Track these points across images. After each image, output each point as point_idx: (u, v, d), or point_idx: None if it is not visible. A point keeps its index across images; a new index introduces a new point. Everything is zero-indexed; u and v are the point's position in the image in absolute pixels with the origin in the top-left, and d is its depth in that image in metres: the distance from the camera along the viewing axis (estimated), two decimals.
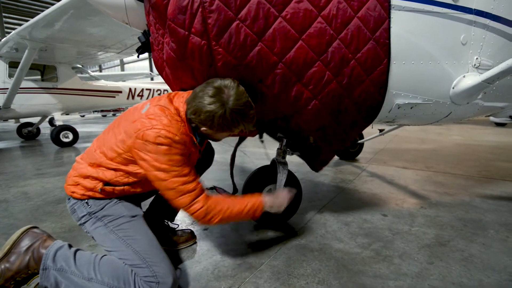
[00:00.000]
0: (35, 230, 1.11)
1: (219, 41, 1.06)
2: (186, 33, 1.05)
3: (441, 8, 1.34)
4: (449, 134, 5.63)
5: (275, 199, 1.27)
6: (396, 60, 1.30)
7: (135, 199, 1.21)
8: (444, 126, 7.16)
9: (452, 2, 1.36)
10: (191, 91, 1.11)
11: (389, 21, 1.24)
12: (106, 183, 1.08)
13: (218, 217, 1.08)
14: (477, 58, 1.49)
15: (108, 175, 1.08)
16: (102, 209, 1.09)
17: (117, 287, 0.98)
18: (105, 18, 3.44)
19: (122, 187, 1.11)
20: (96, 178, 1.08)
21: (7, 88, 4.62)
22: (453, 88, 1.47)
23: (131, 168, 1.08)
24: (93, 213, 1.09)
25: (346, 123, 1.41)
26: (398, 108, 1.43)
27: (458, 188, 2.29)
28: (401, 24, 1.27)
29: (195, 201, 1.05)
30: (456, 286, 1.09)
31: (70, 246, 1.07)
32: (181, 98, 1.11)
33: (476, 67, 1.49)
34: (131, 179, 1.10)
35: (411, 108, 1.46)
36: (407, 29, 1.30)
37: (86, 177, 1.09)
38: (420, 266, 1.22)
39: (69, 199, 1.15)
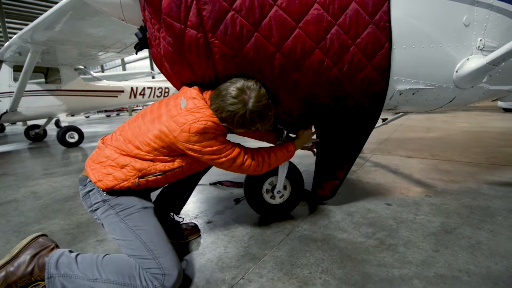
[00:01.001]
0: (44, 238, 1.13)
1: (215, 33, 1.05)
2: (182, 26, 1.04)
3: None
4: (456, 122, 5.53)
5: (301, 138, 1.44)
6: (396, 44, 1.27)
7: (146, 191, 1.23)
8: (450, 113, 7.05)
9: None
10: (211, 91, 1.19)
11: (389, 3, 1.21)
12: (141, 176, 1.12)
13: (267, 164, 1.27)
14: (481, 40, 1.44)
15: (146, 164, 1.12)
16: (115, 197, 1.12)
17: (123, 283, 1.00)
18: (103, 18, 3.45)
19: (155, 177, 1.14)
20: (134, 169, 1.11)
21: (13, 92, 4.70)
22: (456, 71, 1.43)
23: (170, 158, 1.15)
24: (107, 200, 1.11)
25: (351, 107, 1.39)
26: (400, 94, 1.40)
27: (465, 175, 2.26)
28: (400, 7, 1.24)
29: (245, 159, 1.20)
30: (463, 273, 1.08)
31: (70, 251, 1.08)
32: (206, 94, 1.18)
33: (480, 49, 1.45)
34: (167, 167, 1.15)
35: (413, 94, 1.43)
36: (407, 12, 1.27)
37: (123, 166, 1.11)
38: (425, 254, 1.21)
39: (85, 185, 1.16)
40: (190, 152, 1.11)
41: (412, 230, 1.42)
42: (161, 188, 1.44)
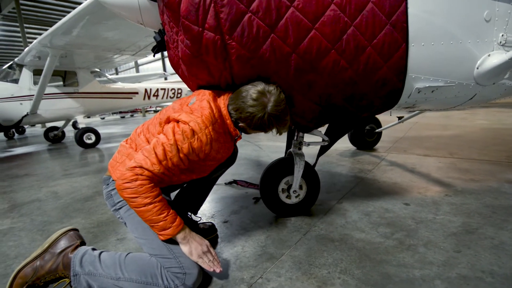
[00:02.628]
0: (73, 233, 1.16)
1: (232, 34, 1.07)
2: (200, 29, 1.06)
3: None
4: (474, 119, 5.35)
5: (191, 242, 1.07)
6: (414, 42, 1.25)
7: (166, 190, 1.26)
8: (469, 110, 6.82)
9: None
10: (228, 93, 1.20)
11: (406, 3, 1.19)
12: None
13: (141, 205, 0.98)
14: (502, 35, 1.40)
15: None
16: None
17: (145, 282, 1.03)
18: (119, 22, 3.54)
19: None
20: None
21: (33, 95, 4.88)
22: (477, 68, 1.40)
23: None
24: None
25: (363, 107, 1.39)
26: (418, 92, 1.38)
27: (485, 174, 2.19)
28: (418, 4, 1.22)
29: (144, 178, 0.97)
30: (486, 274, 1.06)
31: (93, 249, 1.12)
32: (225, 96, 1.19)
33: (502, 45, 1.41)
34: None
35: (432, 91, 1.40)
36: (426, 8, 1.25)
37: None
38: (446, 255, 1.19)
39: (107, 184, 1.19)
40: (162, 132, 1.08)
41: (432, 230, 1.39)
42: (179, 188, 1.47)
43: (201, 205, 1.54)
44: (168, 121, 1.11)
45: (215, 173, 1.43)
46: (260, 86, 1.11)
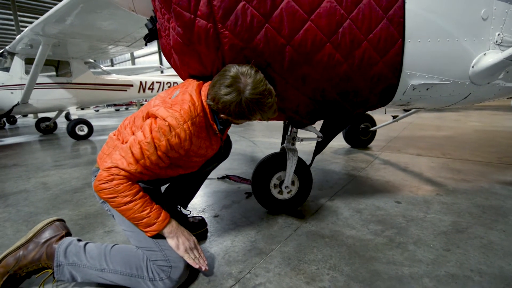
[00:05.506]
0: (59, 223, 1.14)
1: (225, 23, 1.03)
2: (192, 16, 1.03)
3: None
4: (467, 121, 5.40)
5: (178, 236, 1.05)
6: (411, 38, 1.23)
7: (156, 183, 1.23)
8: (462, 112, 6.88)
9: None
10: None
11: None
12: None
13: (122, 204, 0.96)
14: (499, 34, 1.39)
15: None
16: None
17: (130, 274, 1.01)
18: (114, 11, 3.46)
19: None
20: None
21: (25, 84, 4.77)
22: (472, 67, 1.39)
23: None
24: None
25: (357, 103, 1.37)
26: (413, 89, 1.37)
27: (477, 174, 2.20)
28: (415, 0, 1.20)
29: (120, 177, 0.95)
30: (475, 273, 1.06)
31: (79, 240, 1.09)
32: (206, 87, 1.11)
33: (498, 44, 1.40)
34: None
35: (427, 89, 1.39)
36: (423, 4, 1.23)
37: None
38: (436, 253, 1.19)
39: (95, 176, 1.15)
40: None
41: (422, 229, 1.39)
42: (170, 181, 1.44)
43: (191, 198, 1.52)
44: (147, 116, 1.06)
45: (207, 167, 1.41)
46: (233, 69, 1.00)
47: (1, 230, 1.60)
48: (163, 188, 1.46)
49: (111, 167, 0.97)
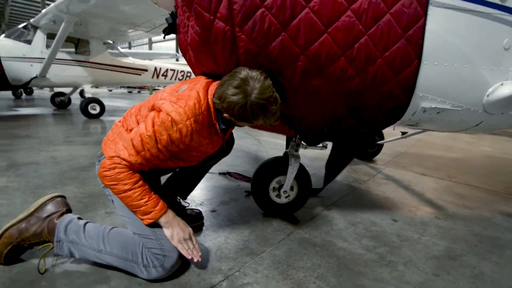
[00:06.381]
0: (60, 200, 1.19)
1: (243, 27, 1.05)
2: (211, 17, 1.05)
3: (485, 8, 1.24)
4: (480, 144, 5.28)
5: (174, 226, 1.08)
6: (427, 60, 1.22)
7: (156, 173, 1.26)
8: (476, 135, 6.73)
9: (499, 2, 1.25)
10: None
11: (425, 19, 1.17)
12: None
13: (121, 191, 1.01)
14: None
15: None
16: None
17: (125, 258, 1.05)
18: None
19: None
20: None
21: (44, 58, 4.89)
22: (487, 96, 1.37)
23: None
24: None
25: (365, 121, 1.38)
26: (424, 111, 1.36)
27: (479, 202, 2.18)
28: (437, 22, 1.19)
29: (122, 166, 1.00)
30: None
31: (79, 218, 1.14)
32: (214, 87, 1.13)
33: None
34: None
35: (438, 113, 1.38)
36: (444, 28, 1.22)
37: None
38: (424, 277, 1.19)
39: (99, 161, 1.20)
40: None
41: (415, 250, 1.40)
42: (171, 172, 1.48)
43: (191, 191, 1.56)
44: (152, 108, 1.10)
45: (208, 162, 1.44)
46: (242, 72, 1.03)
47: (10, 199, 1.67)
48: (164, 178, 1.51)
49: (114, 156, 1.02)
